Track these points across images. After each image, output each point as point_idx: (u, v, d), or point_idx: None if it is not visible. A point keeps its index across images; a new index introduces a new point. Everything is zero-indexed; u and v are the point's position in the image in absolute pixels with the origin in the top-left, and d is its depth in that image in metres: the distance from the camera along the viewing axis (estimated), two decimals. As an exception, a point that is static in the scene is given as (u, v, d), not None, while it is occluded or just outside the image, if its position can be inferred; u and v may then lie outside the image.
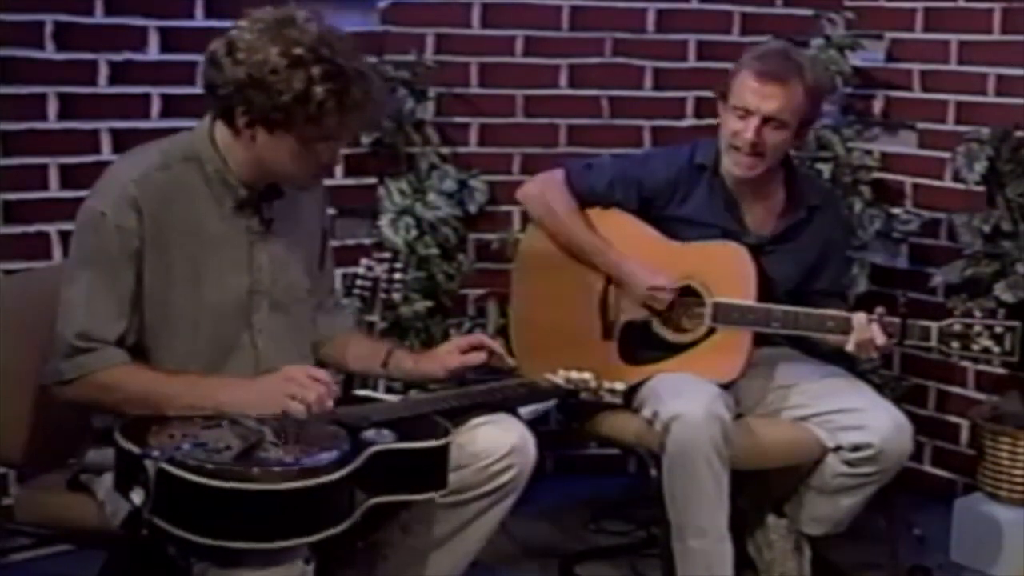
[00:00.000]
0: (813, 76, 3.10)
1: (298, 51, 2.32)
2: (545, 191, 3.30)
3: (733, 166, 3.13)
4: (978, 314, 3.01)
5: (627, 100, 4.01)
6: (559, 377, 2.85)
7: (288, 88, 2.31)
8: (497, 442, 2.56)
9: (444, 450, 2.43)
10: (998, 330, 2.93)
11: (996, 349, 2.94)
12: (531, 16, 3.90)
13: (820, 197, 3.30)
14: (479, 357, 2.69)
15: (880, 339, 2.94)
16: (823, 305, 3.16)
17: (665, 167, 3.24)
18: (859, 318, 2.96)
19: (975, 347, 2.95)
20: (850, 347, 2.97)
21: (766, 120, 3.05)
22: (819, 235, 3.24)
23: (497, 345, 2.72)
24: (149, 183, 2.42)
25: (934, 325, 2.96)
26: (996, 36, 3.79)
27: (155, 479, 2.13)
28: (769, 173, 3.16)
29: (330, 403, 2.39)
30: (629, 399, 3.04)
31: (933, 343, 2.97)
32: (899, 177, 4.02)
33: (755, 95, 3.05)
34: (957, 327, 2.95)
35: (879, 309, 2.99)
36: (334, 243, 2.86)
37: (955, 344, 2.95)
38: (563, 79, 3.96)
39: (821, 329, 3.05)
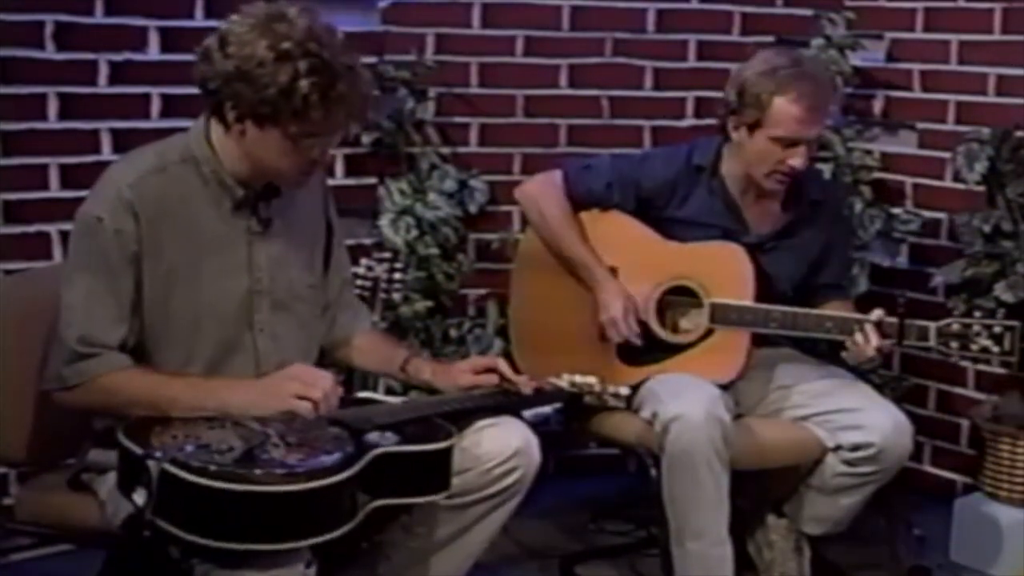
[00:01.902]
0: (833, 86, 3.12)
1: (286, 45, 2.32)
2: (541, 194, 3.29)
3: (773, 186, 3.12)
4: (977, 314, 3.01)
5: (627, 100, 4.00)
6: (563, 380, 2.85)
7: (273, 81, 2.31)
8: (501, 445, 2.56)
9: (447, 453, 2.43)
10: (997, 330, 2.93)
11: (995, 349, 2.94)
12: (531, 16, 3.90)
13: (821, 192, 3.29)
14: (491, 380, 2.69)
15: (874, 342, 2.95)
16: (826, 299, 3.17)
17: (663, 168, 3.23)
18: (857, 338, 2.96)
19: (974, 347, 2.95)
20: (852, 361, 2.99)
21: (808, 144, 3.08)
22: (821, 230, 3.24)
23: (510, 371, 2.71)
24: (145, 186, 2.43)
25: (932, 325, 2.96)
26: (996, 36, 3.80)
27: (158, 480, 2.13)
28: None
29: (335, 401, 2.39)
30: (629, 400, 3.04)
31: (932, 343, 2.97)
32: (899, 177, 4.02)
33: (803, 125, 3.03)
34: (955, 327, 2.95)
35: (877, 311, 2.99)
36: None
37: (954, 344, 2.95)
38: (563, 79, 3.96)
39: (819, 330, 3.05)
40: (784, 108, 3.03)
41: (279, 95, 2.32)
